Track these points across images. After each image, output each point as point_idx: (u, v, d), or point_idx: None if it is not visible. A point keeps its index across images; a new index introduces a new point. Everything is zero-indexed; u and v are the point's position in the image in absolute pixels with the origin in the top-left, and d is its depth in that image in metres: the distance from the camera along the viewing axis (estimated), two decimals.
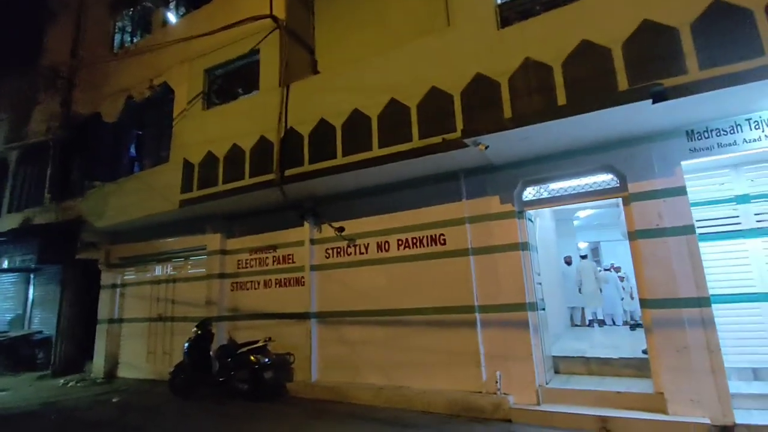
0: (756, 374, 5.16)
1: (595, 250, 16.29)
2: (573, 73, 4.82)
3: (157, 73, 8.95)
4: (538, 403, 5.38)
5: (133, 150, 9.53)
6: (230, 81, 8.27)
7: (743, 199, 5.58)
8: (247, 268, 8.17)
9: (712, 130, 4.98)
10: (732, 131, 4.90)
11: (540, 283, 6.44)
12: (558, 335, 8.20)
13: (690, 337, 4.78)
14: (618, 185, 5.46)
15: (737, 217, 5.57)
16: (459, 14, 5.83)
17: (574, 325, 10.88)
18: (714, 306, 4.82)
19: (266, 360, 6.81)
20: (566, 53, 4.90)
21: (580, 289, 10.65)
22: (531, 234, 6.40)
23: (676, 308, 4.88)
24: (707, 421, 4.47)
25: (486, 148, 5.15)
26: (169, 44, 8.51)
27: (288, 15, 7.61)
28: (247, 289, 8.07)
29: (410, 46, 6.17)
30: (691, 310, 4.81)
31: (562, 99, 4.81)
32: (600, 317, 10.73)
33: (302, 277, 7.48)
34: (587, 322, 10.66)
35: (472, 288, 5.98)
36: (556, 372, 6.27)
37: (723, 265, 5.39)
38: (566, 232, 12.18)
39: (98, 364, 9.63)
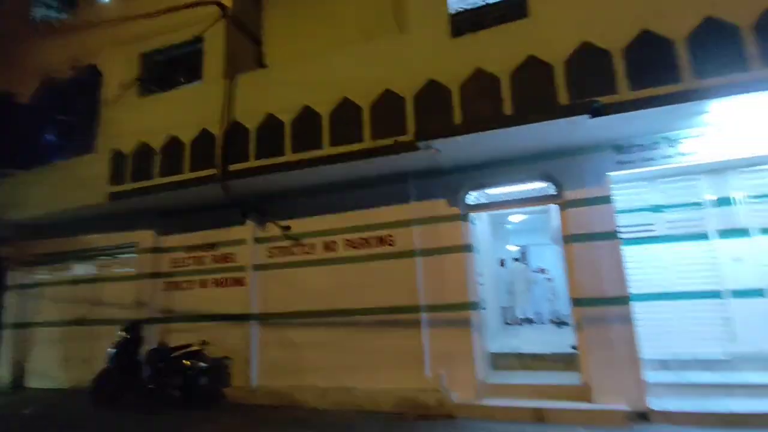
0: (665, 365, 5.80)
1: (524, 253, 17.36)
2: (519, 85, 5.12)
3: (83, 54, 8.16)
4: (479, 398, 5.62)
5: (53, 137, 8.58)
6: (170, 68, 7.76)
7: (656, 208, 6.26)
8: (182, 267, 7.69)
9: (635, 146, 5.54)
10: (651, 147, 5.49)
11: (482, 284, 6.76)
12: (494, 333, 8.62)
13: (613, 332, 5.26)
14: (555, 193, 5.88)
15: (652, 224, 6.24)
16: (413, 20, 5.96)
17: (506, 323, 11.52)
18: (633, 304, 5.34)
19: (201, 365, 6.45)
20: (514, 66, 5.20)
21: (511, 290, 11.31)
22: (474, 236, 6.69)
23: (602, 306, 5.34)
24: (626, 408, 4.94)
25: (437, 151, 5.30)
26: (100, 24, 7.80)
27: (235, 4, 7.31)
28: (183, 290, 7.59)
29: (364, 46, 6.20)
30: (615, 308, 5.30)
31: (509, 109, 5.10)
32: (529, 316, 11.46)
33: (243, 278, 7.19)
34: (518, 321, 11.33)
35: (418, 288, 6.12)
36: (495, 368, 6.59)
37: (640, 267, 6.02)
38: (500, 236, 12.87)
39: (2, 373, 8.55)
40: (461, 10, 5.86)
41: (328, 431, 5.22)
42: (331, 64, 6.30)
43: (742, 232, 5.83)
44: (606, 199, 5.51)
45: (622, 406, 4.96)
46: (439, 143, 5.17)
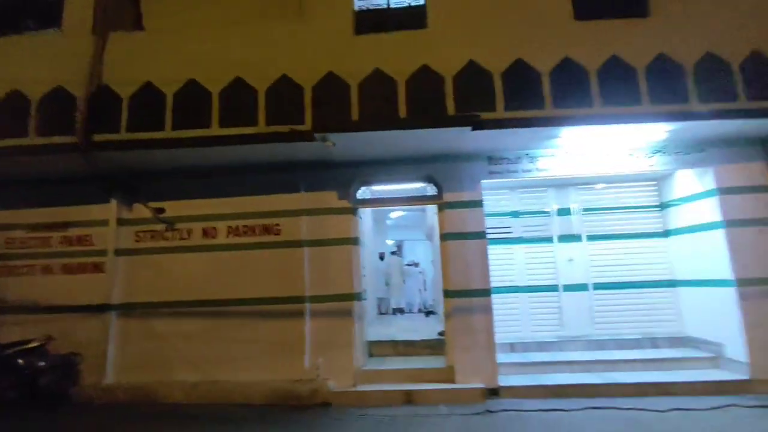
0: (513, 348, 6.82)
1: (400, 247, 18.50)
2: (414, 91, 5.48)
3: None
4: (355, 385, 5.90)
5: None
6: (14, 7, 6.36)
7: (515, 214, 7.29)
8: (21, 248, 6.43)
9: (504, 159, 6.35)
10: (516, 161, 6.36)
11: (365, 275, 7.06)
12: (370, 322, 9.06)
13: (475, 320, 5.98)
14: (436, 194, 6.42)
15: (510, 227, 7.26)
16: (318, 10, 5.90)
17: (380, 313, 12.17)
18: (492, 296, 6.15)
19: (42, 363, 5.54)
20: (410, 72, 5.53)
21: (387, 282, 12.00)
22: (360, 230, 6.94)
23: (468, 297, 6.04)
24: (482, 385, 5.69)
25: (333, 145, 5.38)
26: None
27: None
28: (20, 275, 6.36)
29: (263, 27, 5.93)
30: (478, 299, 6.02)
31: (403, 112, 5.42)
32: (401, 306, 12.30)
33: (103, 263, 6.33)
34: (392, 311, 12.06)
35: (304, 279, 6.13)
36: (371, 355, 6.96)
37: (499, 264, 6.95)
38: (381, 230, 13.50)
39: None
40: (365, 9, 6.00)
41: (191, 425, 4.96)
42: (225, 41, 5.88)
43: (575, 238, 7.15)
44: (478, 203, 6.22)
45: (479, 384, 5.70)
46: (335, 137, 5.25)
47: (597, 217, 7.19)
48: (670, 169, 6.33)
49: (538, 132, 5.61)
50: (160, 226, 6.40)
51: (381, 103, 5.44)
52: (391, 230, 16.46)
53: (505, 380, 5.87)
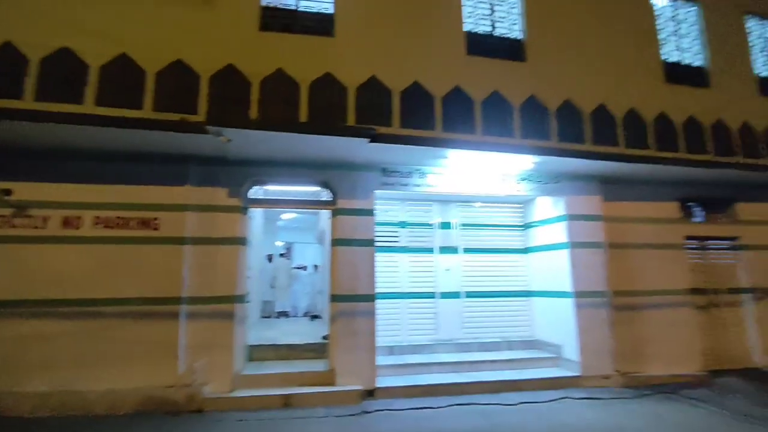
0: (391, 350, 7.20)
1: (289, 250, 18.17)
2: (316, 96, 5.54)
3: None
4: (232, 390, 5.68)
5: None
6: None
7: (403, 224, 7.75)
8: None
9: (396, 172, 6.73)
10: (408, 175, 6.78)
11: (249, 277, 6.84)
12: (252, 326, 8.76)
13: (359, 324, 6.20)
14: (331, 199, 6.53)
15: (397, 237, 7.69)
16: (225, 1, 5.63)
17: (263, 317, 11.80)
18: (377, 301, 6.44)
19: None
20: (314, 78, 5.59)
21: (273, 284, 11.71)
22: (250, 230, 6.73)
23: (354, 302, 6.24)
24: (361, 387, 5.92)
25: (228, 140, 5.16)
26: None
27: None
28: None
29: (162, 5, 5.46)
30: (363, 303, 6.26)
31: (304, 116, 5.44)
32: (286, 310, 12.09)
33: None
34: (276, 314, 11.79)
35: (183, 279, 5.73)
36: (250, 360, 6.75)
37: (384, 271, 7.31)
38: (270, 231, 13.15)
39: None
40: (272, 6, 5.90)
41: None
42: (115, 12, 5.29)
43: (453, 250, 7.85)
44: (370, 212, 6.49)
45: (358, 386, 5.91)
46: (232, 133, 5.05)
47: (472, 232, 8.00)
48: (533, 195, 7.35)
49: (429, 151, 6.08)
50: (6, 211, 5.42)
51: (282, 105, 5.40)
52: (282, 231, 16.11)
53: (383, 381, 6.18)
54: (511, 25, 6.92)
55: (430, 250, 7.79)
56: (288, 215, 13.44)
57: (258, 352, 6.89)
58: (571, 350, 6.87)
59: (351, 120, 5.64)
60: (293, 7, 5.94)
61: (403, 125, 5.84)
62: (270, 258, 12.01)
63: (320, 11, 6.03)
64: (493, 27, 6.83)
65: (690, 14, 8.08)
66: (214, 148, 5.57)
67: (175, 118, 5.07)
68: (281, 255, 12.64)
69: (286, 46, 5.64)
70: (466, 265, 7.83)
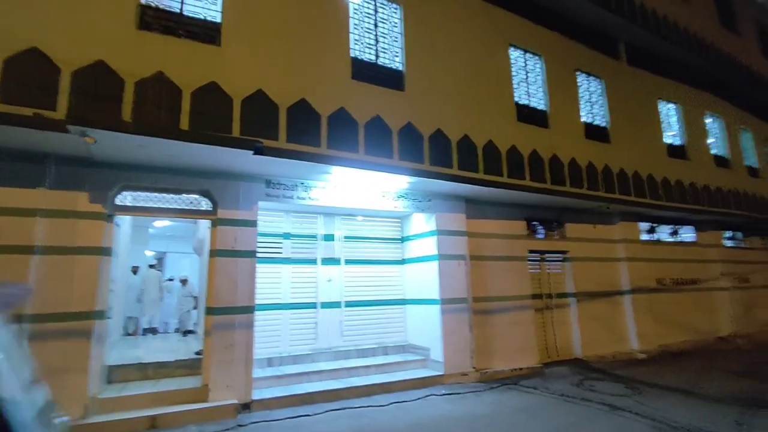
0: (270, 362, 7.20)
1: (160, 260, 16.65)
2: (200, 105, 5.43)
3: None
4: (86, 417, 5.15)
5: None
6: None
7: (287, 236, 7.85)
8: None
9: (281, 184, 6.85)
10: (292, 188, 6.95)
11: (112, 290, 6.28)
12: (113, 344, 7.95)
13: (237, 336, 6.11)
14: (211, 209, 6.36)
15: (281, 248, 7.76)
16: None
17: (127, 334, 10.69)
18: (256, 312, 6.43)
19: None
20: (198, 85, 5.47)
21: (140, 298, 10.70)
22: (115, 239, 6.21)
23: (232, 314, 6.14)
24: (235, 401, 5.84)
25: (94, 141, 4.77)
26: None
27: None
28: None
29: None
30: (242, 315, 6.20)
31: (186, 124, 5.29)
32: (155, 325, 11.12)
33: None
34: (142, 331, 10.76)
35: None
36: (110, 382, 6.16)
37: (266, 282, 7.31)
38: (140, 240, 12.02)
39: None
40: (152, 5, 5.63)
41: None
42: None
43: (335, 261, 8.18)
44: (253, 223, 6.49)
45: (233, 401, 5.82)
46: (99, 134, 4.68)
47: (355, 244, 8.44)
48: (409, 211, 8.08)
49: (314, 166, 6.35)
50: None
51: (162, 110, 5.17)
52: (154, 240, 14.76)
53: (260, 393, 6.17)
54: (393, 57, 7.60)
55: (313, 261, 8.01)
56: (161, 223, 12.41)
57: (120, 373, 6.33)
58: (437, 352, 7.66)
59: (236, 131, 5.63)
60: (177, 10, 5.74)
61: (289, 140, 6.02)
62: (135, 270, 10.93)
63: (207, 18, 5.93)
64: (377, 56, 7.43)
65: (537, 65, 9.76)
66: (77, 148, 5.09)
67: (27, 113, 4.53)
68: (151, 266, 11.60)
69: (169, 49, 5.43)
70: (347, 276, 8.21)
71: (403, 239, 8.95)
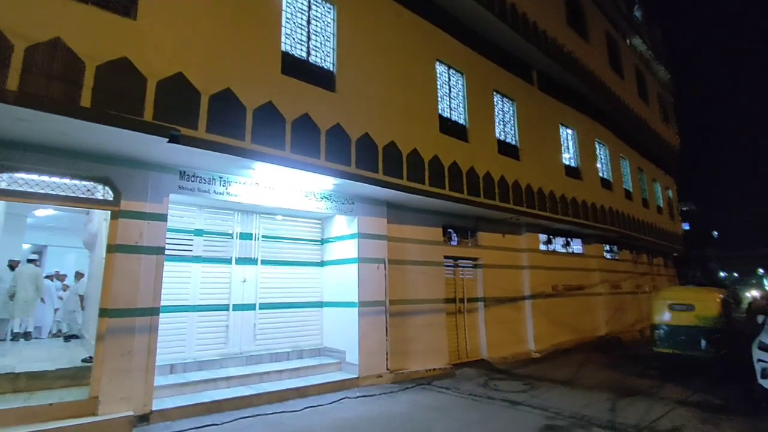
0: (172, 369, 6.61)
1: (40, 254, 14.47)
2: (107, 81, 4.81)
3: None
4: None
5: None
6: None
7: (198, 232, 7.31)
8: None
9: (197, 177, 6.37)
10: (209, 182, 6.49)
11: None
12: None
13: (136, 342, 5.51)
14: (111, 199, 5.68)
15: (191, 245, 7.20)
16: None
17: None
18: (161, 315, 5.87)
19: None
20: (105, 59, 4.85)
21: (11, 297, 9.19)
22: None
23: (132, 317, 5.53)
24: (131, 413, 5.26)
25: None
26: None
27: None
28: None
29: None
30: (144, 318, 5.61)
31: (87, 101, 4.65)
32: (28, 330, 9.60)
33: None
34: (10, 336, 9.23)
35: None
36: None
37: (172, 282, 6.72)
38: (14, 230, 10.35)
39: None
40: None
41: None
42: None
43: (252, 261, 7.79)
44: (162, 217, 5.92)
45: (127, 413, 5.23)
46: None
47: (273, 244, 8.13)
48: (332, 213, 7.99)
49: (235, 160, 6.00)
50: None
51: (57, 82, 4.49)
52: (32, 231, 12.78)
53: (160, 403, 5.64)
54: (325, 57, 7.49)
55: (227, 261, 7.55)
56: (44, 212, 10.79)
57: None
58: (353, 354, 7.65)
59: (149, 115, 5.09)
60: None
61: (209, 130, 5.60)
62: (13, 265, 9.40)
63: None
64: (309, 54, 7.26)
65: (459, 81, 10.29)
66: None
67: None
68: (29, 260, 10.01)
69: (71, 13, 4.71)
70: (263, 277, 7.87)
71: (323, 241, 8.83)
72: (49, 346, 8.68)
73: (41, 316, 10.58)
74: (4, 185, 5.18)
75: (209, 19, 5.88)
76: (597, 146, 15.74)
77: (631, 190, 17.63)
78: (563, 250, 13.59)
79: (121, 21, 5.11)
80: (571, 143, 14.30)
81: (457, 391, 7.35)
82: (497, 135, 11.01)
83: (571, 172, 13.64)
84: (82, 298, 9.91)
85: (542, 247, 12.54)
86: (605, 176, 15.89)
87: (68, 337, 9.60)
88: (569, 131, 14.27)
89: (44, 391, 5.51)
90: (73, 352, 7.41)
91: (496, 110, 11.19)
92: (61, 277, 11.82)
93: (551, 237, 13.06)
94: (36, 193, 5.41)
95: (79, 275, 10.53)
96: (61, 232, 13.98)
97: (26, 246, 13.17)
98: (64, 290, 11.32)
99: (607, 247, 15.91)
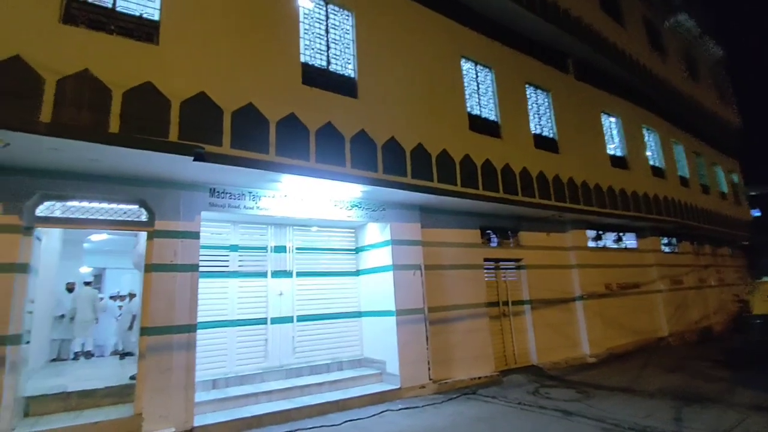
0: (215, 384, 6.69)
1: (99, 277, 15.44)
2: (133, 106, 4.98)
3: None
4: None
5: None
6: None
7: (234, 248, 7.42)
8: None
9: (227, 193, 6.46)
10: (239, 197, 6.57)
11: (31, 312, 5.60)
12: (35, 371, 7.13)
13: (175, 359, 5.61)
14: (147, 220, 5.86)
15: (228, 261, 7.31)
16: None
17: (54, 359, 9.68)
18: (198, 331, 5.95)
19: None
20: (130, 85, 5.03)
21: (72, 319, 9.76)
22: (35, 255, 5.57)
23: (170, 334, 5.64)
24: (173, 430, 5.33)
25: (5, 144, 4.23)
26: None
27: None
28: None
29: None
30: (182, 335, 5.71)
31: (115, 126, 4.82)
32: (89, 349, 10.15)
33: None
34: (73, 355, 9.79)
35: None
36: (26, 415, 5.46)
37: (210, 298, 6.84)
38: (73, 255, 11.04)
39: None
40: None
41: None
42: None
43: (287, 273, 7.80)
44: (195, 235, 6.04)
45: (170, 430, 5.31)
46: (10, 136, 4.15)
47: (307, 255, 8.11)
48: (363, 221, 7.88)
49: (261, 174, 6.02)
50: None
51: (86, 111, 4.68)
52: (90, 255, 13.64)
53: (202, 419, 5.69)
54: (345, 64, 7.44)
55: (263, 275, 7.60)
56: (99, 236, 11.46)
57: (39, 405, 5.62)
58: (393, 365, 7.43)
59: (174, 135, 5.21)
60: (108, 5, 5.28)
61: (234, 146, 5.66)
62: (71, 287, 10.01)
63: (143, 15, 5.50)
64: (329, 62, 7.24)
65: (487, 77, 9.94)
66: None
67: None
68: (86, 283, 10.63)
69: (97, 45, 4.95)
70: (299, 289, 7.85)
71: (357, 250, 8.72)
72: (106, 364, 9.12)
73: (103, 335, 11.14)
74: (55, 213, 5.48)
75: (228, 37, 5.98)
76: (645, 133, 14.71)
77: (687, 176, 16.31)
78: (615, 246, 12.72)
79: (144, 47, 5.29)
80: (615, 132, 13.44)
81: (505, 399, 6.94)
82: (533, 129, 10.51)
83: (617, 162, 12.80)
84: (134, 317, 10.36)
85: (591, 243, 11.79)
86: (657, 164, 14.80)
87: (123, 355, 10.06)
88: (612, 119, 13.43)
89: (93, 409, 5.70)
90: (125, 369, 7.70)
91: (529, 103, 10.71)
92: (122, 298, 12.45)
93: (600, 233, 12.27)
94: (83, 219, 5.69)
95: (131, 295, 11.04)
96: (116, 255, 14.81)
97: (86, 270, 14.09)
98: (120, 310, 11.90)
99: (665, 240, 14.74)
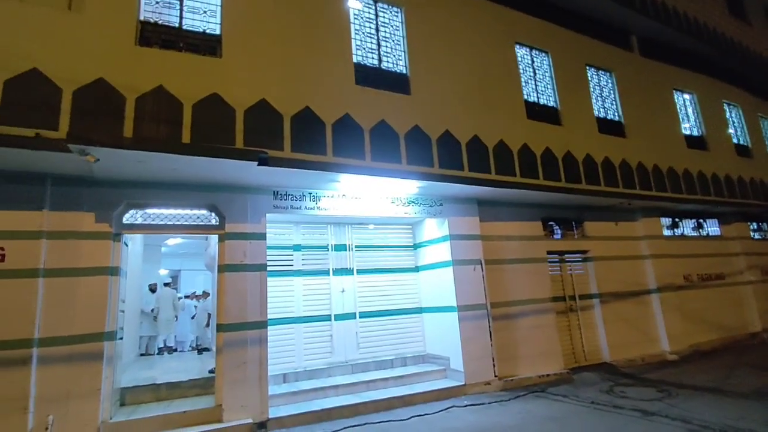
0: (285, 378, 6.99)
1: (175, 278, 16.71)
2: (201, 117, 5.33)
3: None
4: None
5: None
6: None
7: (297, 247, 7.69)
8: None
9: (289, 195, 6.71)
10: (300, 199, 6.80)
11: (123, 311, 6.17)
12: (127, 366, 7.85)
13: (249, 353, 5.93)
14: (218, 224, 6.24)
15: (292, 260, 7.60)
16: (93, 5, 5.16)
17: (144, 354, 10.63)
18: (268, 327, 6.24)
19: None
20: (198, 97, 5.38)
21: (156, 317, 10.64)
22: (124, 258, 6.12)
23: (243, 330, 5.97)
24: (250, 420, 5.64)
25: (95, 160, 4.69)
26: None
27: None
28: None
29: (15, 2, 4.83)
30: (254, 331, 6.03)
31: (187, 137, 5.18)
32: (171, 345, 11.03)
33: None
34: (157, 350, 10.67)
35: (35, 316, 4.96)
36: (122, 404, 6.03)
37: (278, 295, 7.15)
38: (152, 258, 12.01)
39: None
40: (151, 21, 5.58)
41: None
42: None
43: (348, 271, 7.97)
44: (262, 236, 6.34)
45: (248, 420, 5.62)
46: (101, 152, 4.60)
47: (366, 253, 8.23)
48: (421, 217, 7.86)
49: (320, 175, 6.20)
50: None
51: (162, 124, 5.08)
52: (167, 258, 14.81)
53: (275, 411, 5.96)
54: (396, 61, 7.45)
55: (325, 273, 7.82)
56: (174, 240, 12.42)
57: (133, 395, 6.19)
58: (457, 361, 7.36)
59: (239, 142, 5.51)
60: (176, 25, 5.69)
61: (294, 149, 5.88)
62: (153, 288, 10.92)
63: (206, 31, 5.86)
64: (380, 61, 7.29)
65: (544, 61, 9.52)
66: (78, 167, 5.02)
67: (30, 134, 4.46)
68: (166, 284, 11.57)
69: (168, 63, 5.35)
70: (360, 286, 8.00)
71: (415, 246, 8.72)
72: (187, 358, 9.85)
73: (183, 332, 12.04)
74: (138, 220, 6.00)
75: (283, 45, 6.21)
76: (726, 108, 13.37)
77: None
78: (694, 234, 11.72)
79: (210, 61, 5.63)
80: (690, 110, 12.35)
81: (577, 398, 6.64)
82: (596, 113, 9.93)
83: (693, 142, 11.75)
84: (209, 315, 11.11)
85: (666, 232, 10.94)
86: (741, 142, 13.39)
87: (201, 350, 10.83)
88: (686, 96, 12.35)
89: (180, 400, 6.19)
90: (204, 363, 8.27)
91: (591, 86, 10.12)
92: (198, 297, 13.38)
93: (677, 220, 11.34)
94: (161, 225, 6.19)
95: (205, 294, 11.85)
96: (191, 257, 15.98)
97: (164, 272, 15.31)
98: (196, 309, 12.78)
99: (754, 225, 13.32)
